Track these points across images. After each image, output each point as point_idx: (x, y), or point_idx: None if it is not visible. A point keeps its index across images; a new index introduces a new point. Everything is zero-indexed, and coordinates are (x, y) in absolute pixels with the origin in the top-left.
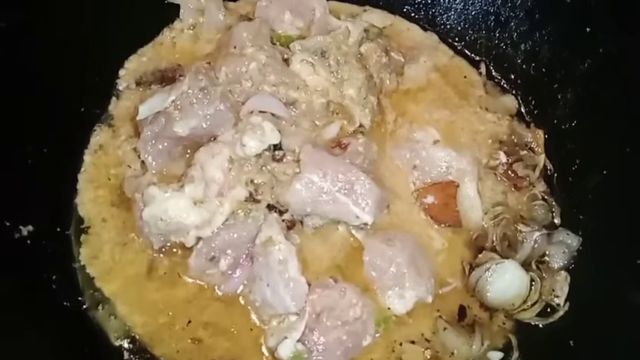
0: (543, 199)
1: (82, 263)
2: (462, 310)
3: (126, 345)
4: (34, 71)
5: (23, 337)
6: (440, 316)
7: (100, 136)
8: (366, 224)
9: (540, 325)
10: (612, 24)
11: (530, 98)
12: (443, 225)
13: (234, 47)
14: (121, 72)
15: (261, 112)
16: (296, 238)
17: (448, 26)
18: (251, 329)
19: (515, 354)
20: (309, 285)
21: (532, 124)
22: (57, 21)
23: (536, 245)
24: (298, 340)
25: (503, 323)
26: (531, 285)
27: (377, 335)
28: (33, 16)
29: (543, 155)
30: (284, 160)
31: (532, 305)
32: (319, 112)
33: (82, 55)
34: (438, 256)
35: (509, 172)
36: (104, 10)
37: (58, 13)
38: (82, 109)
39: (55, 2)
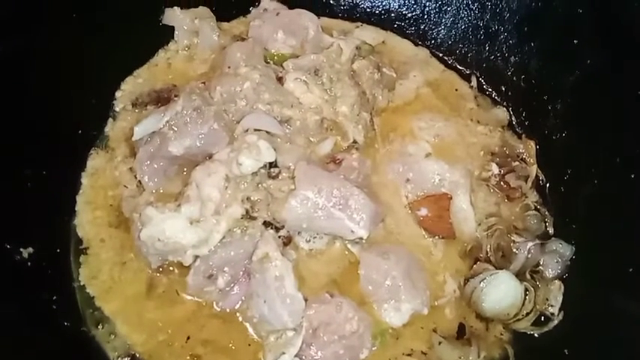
0: (536, 209)
1: (81, 283)
2: (462, 328)
3: None
4: (32, 95)
5: (25, 357)
6: (434, 330)
7: (96, 159)
8: (361, 239)
9: (535, 335)
10: (598, 37)
11: (520, 110)
12: (437, 237)
13: (229, 67)
14: (118, 93)
15: (256, 130)
16: (292, 254)
17: (439, 41)
18: (249, 345)
19: None
20: (306, 300)
21: (523, 136)
22: (53, 44)
23: (529, 255)
24: (296, 355)
25: (501, 334)
26: (526, 295)
27: (374, 348)
28: (30, 40)
29: (535, 166)
30: (279, 177)
31: (527, 315)
32: (313, 129)
33: (79, 77)
34: (432, 268)
35: (502, 183)
36: (100, 33)
37: (55, 36)
38: (80, 131)
39: (52, 26)
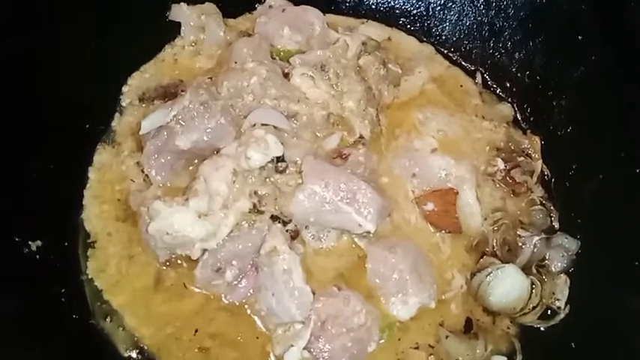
0: (541, 204)
1: (89, 276)
2: (469, 322)
3: (134, 355)
4: (39, 90)
5: (34, 349)
6: (441, 324)
7: (103, 153)
8: (368, 232)
9: (542, 328)
10: (602, 33)
11: (525, 106)
12: (443, 231)
13: (235, 62)
14: (124, 88)
15: (263, 125)
16: (300, 247)
17: (444, 37)
18: (257, 337)
19: (519, 357)
20: (314, 294)
21: (528, 131)
22: (61, 40)
23: (535, 249)
24: (304, 348)
25: (508, 328)
26: (532, 289)
27: (381, 341)
28: (38, 36)
29: (540, 161)
30: (287, 172)
31: (533, 308)
32: (320, 124)
33: (87, 73)
34: (439, 262)
35: (508, 178)
36: (107, 29)
37: (63, 32)
38: (87, 126)
39: (59, 22)
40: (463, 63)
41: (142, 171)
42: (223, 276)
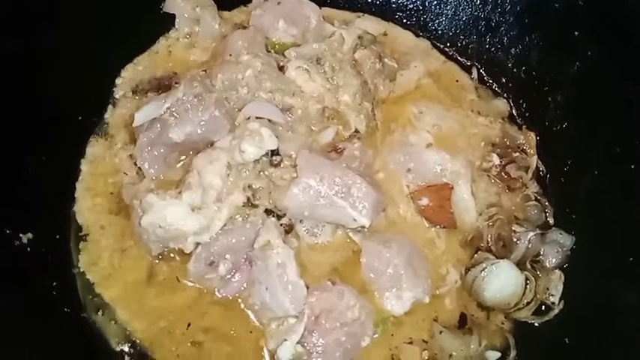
0: (536, 199)
1: (81, 270)
2: (463, 318)
3: (126, 349)
4: (32, 82)
5: (25, 343)
6: (436, 319)
7: (95, 146)
8: (363, 227)
9: (536, 324)
10: (598, 29)
11: (521, 101)
12: (438, 226)
13: (230, 55)
14: (118, 80)
15: (257, 118)
16: (294, 241)
17: (440, 32)
18: (250, 332)
19: (513, 353)
20: (308, 288)
21: (524, 127)
22: (55, 32)
23: (530, 245)
24: (298, 342)
25: (502, 323)
26: (526, 284)
27: (375, 336)
28: (32, 29)
29: (535, 157)
30: (281, 165)
31: (527, 304)
32: (315, 118)
33: (80, 64)
34: (434, 257)
35: (503, 173)
36: (101, 20)
37: (56, 24)
38: (80, 118)
39: (53, 14)
40: (459, 58)
41: (135, 164)
42: (217, 270)
